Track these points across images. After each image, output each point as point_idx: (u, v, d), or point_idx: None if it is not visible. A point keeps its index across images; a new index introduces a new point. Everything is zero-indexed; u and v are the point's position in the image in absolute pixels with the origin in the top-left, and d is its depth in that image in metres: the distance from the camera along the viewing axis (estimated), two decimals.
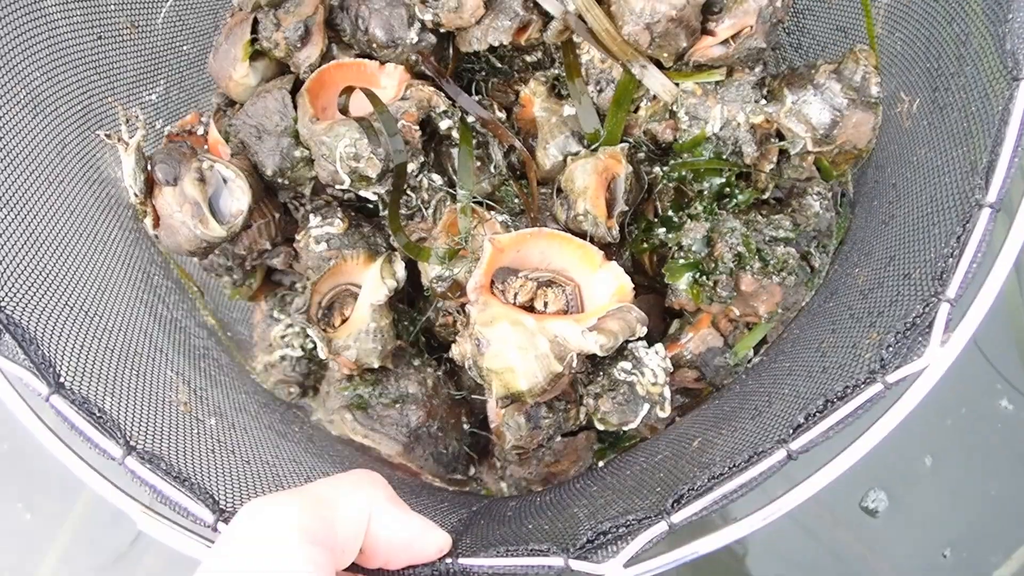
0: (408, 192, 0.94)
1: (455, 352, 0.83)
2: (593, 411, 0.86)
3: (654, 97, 0.93)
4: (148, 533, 0.58)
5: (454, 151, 0.95)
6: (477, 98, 0.97)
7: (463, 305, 0.87)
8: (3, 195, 0.72)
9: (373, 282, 0.90)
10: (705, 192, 0.92)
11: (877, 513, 1.23)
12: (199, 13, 1.02)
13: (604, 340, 0.77)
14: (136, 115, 0.89)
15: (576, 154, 0.93)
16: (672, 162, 0.93)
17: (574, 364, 0.79)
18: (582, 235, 0.87)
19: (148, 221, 0.87)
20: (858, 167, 0.94)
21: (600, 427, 0.87)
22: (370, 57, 0.96)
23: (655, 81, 0.91)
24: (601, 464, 0.93)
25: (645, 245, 0.94)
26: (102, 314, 0.76)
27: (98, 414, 0.61)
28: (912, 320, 0.58)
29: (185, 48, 1.01)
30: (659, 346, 0.87)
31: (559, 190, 0.92)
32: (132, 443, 0.61)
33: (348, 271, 0.93)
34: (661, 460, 0.78)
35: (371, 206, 1.00)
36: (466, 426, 0.96)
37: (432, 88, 0.93)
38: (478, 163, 0.95)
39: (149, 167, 0.86)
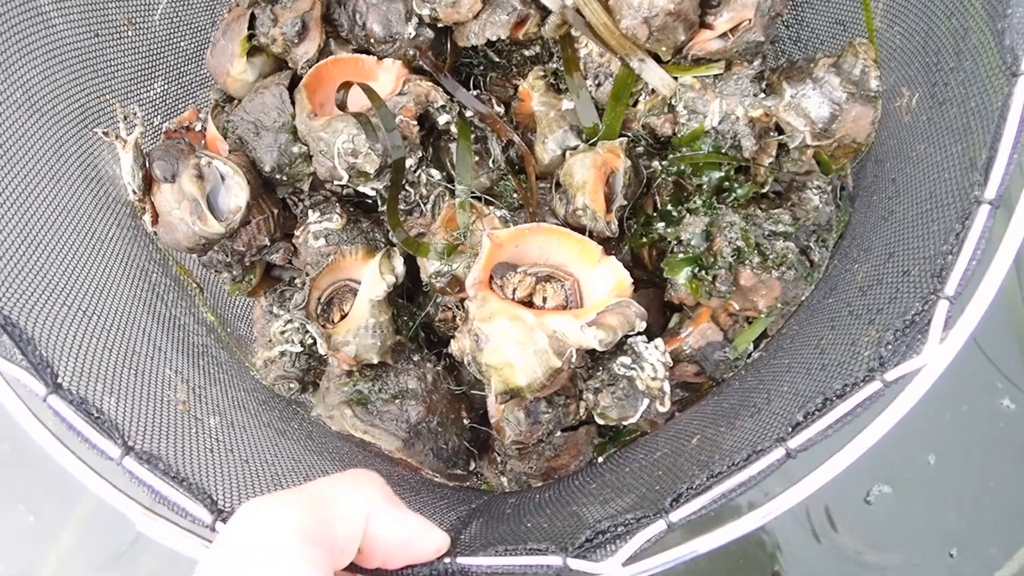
0: (406, 187, 0.94)
1: (454, 348, 0.84)
2: (593, 406, 0.86)
3: (653, 91, 0.92)
4: (146, 534, 0.58)
5: (452, 146, 0.95)
6: (475, 93, 0.97)
7: (462, 300, 0.87)
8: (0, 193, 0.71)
9: (372, 278, 0.90)
10: (704, 186, 0.92)
11: (880, 511, 1.23)
12: (196, 9, 1.01)
13: (603, 335, 0.77)
14: (134, 112, 0.89)
15: (575, 148, 0.93)
16: (671, 156, 0.93)
17: (573, 359, 0.79)
18: (581, 230, 0.87)
19: (146, 218, 0.88)
20: (857, 161, 0.93)
21: (600, 422, 0.87)
22: (368, 52, 0.96)
23: (653, 75, 0.90)
24: (600, 460, 0.93)
25: (644, 239, 0.94)
26: (100, 313, 0.75)
27: (96, 414, 0.61)
28: (911, 318, 0.58)
29: (182, 44, 1.00)
30: (658, 341, 0.87)
31: (558, 185, 0.92)
32: (130, 443, 0.61)
33: (347, 267, 0.93)
34: (660, 457, 0.78)
35: (370, 201, 1.00)
36: (466, 421, 0.96)
37: (430, 83, 0.93)
38: (476, 158, 0.95)
39: (147, 164, 0.86)
